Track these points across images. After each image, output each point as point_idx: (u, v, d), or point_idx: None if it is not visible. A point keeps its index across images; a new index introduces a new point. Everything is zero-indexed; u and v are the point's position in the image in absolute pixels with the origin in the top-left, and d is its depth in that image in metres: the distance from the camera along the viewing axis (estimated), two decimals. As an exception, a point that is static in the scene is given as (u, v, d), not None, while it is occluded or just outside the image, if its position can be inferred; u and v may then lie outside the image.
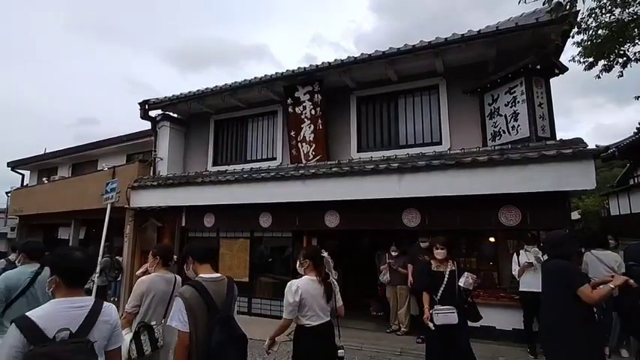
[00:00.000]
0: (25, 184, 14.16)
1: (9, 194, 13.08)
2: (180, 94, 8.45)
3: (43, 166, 13.92)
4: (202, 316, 2.09)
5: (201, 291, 2.13)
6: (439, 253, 3.74)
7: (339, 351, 2.74)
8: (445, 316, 3.47)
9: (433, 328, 3.52)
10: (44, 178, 12.68)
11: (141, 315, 2.76)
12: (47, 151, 13.53)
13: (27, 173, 14.63)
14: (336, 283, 2.92)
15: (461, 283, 3.61)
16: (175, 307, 2.11)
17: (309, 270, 2.74)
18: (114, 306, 1.83)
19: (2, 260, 5.94)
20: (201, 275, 2.27)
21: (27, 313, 1.60)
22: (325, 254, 2.89)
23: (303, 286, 2.63)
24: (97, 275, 7.23)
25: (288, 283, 2.69)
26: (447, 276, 3.65)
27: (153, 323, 2.73)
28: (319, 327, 2.59)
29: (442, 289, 3.61)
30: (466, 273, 3.71)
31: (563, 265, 2.72)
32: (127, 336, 2.56)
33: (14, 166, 14.18)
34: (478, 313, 3.80)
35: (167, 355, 2.92)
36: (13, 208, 12.45)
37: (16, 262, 3.44)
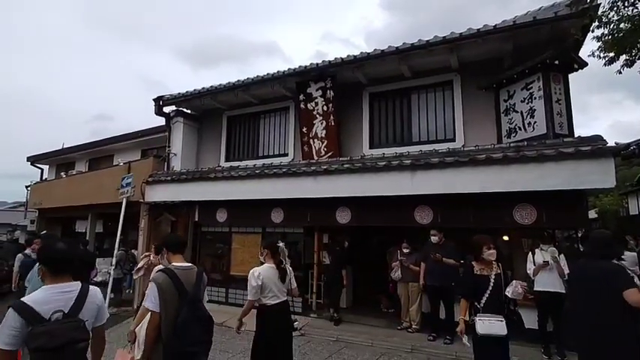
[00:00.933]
0: (44, 178, 14.55)
1: (29, 188, 13.47)
2: (194, 90, 8.53)
3: (61, 160, 14.27)
4: (172, 298, 2.41)
5: (172, 277, 2.45)
6: (490, 254, 3.20)
7: (295, 323, 3.38)
8: (491, 324, 2.99)
9: (468, 344, 3.07)
10: (62, 173, 13.01)
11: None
12: (65, 147, 13.86)
13: (46, 168, 15.02)
14: (290, 269, 3.45)
15: (508, 293, 3.15)
16: (149, 290, 2.44)
17: (268, 258, 3.20)
18: (98, 288, 2.08)
19: (20, 255, 6.08)
20: (173, 264, 2.60)
21: (22, 299, 1.84)
22: (281, 244, 3.37)
23: (263, 272, 3.09)
24: (112, 268, 7.40)
25: (252, 271, 3.11)
26: (492, 280, 3.15)
27: None
28: (278, 305, 3.10)
29: (487, 295, 3.11)
30: (514, 281, 3.23)
31: (615, 267, 2.68)
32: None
33: (34, 160, 14.57)
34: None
35: None
36: (32, 201, 12.82)
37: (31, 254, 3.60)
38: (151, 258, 3.51)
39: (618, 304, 2.50)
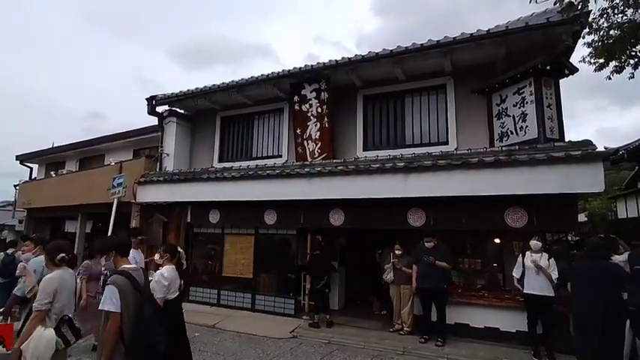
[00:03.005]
0: (33, 177, 14.32)
1: (17, 187, 13.25)
2: (188, 90, 8.49)
3: (51, 159, 14.06)
4: (132, 297, 2.60)
5: (129, 278, 2.64)
6: None
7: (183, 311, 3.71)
8: None
9: None
10: (52, 172, 12.82)
11: (57, 309, 2.83)
12: (55, 145, 13.66)
13: (35, 167, 14.79)
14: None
15: None
16: (107, 293, 2.54)
17: (168, 261, 3.48)
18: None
19: (1, 253, 5.95)
20: (125, 266, 2.77)
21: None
22: (181, 250, 3.74)
23: (168, 272, 3.35)
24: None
25: (159, 272, 3.33)
26: None
27: (69, 315, 2.89)
28: (176, 298, 3.44)
29: None
30: None
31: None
32: (46, 332, 2.68)
33: (23, 159, 14.34)
34: None
35: None
36: (21, 200, 12.62)
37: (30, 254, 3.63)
38: (156, 260, 3.72)
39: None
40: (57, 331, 2.77)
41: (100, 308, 2.57)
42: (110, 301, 2.48)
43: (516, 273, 5.10)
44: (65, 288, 2.91)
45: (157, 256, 3.79)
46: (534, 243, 4.98)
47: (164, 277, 3.46)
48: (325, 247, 6.88)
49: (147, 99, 8.85)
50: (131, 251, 4.92)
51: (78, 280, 4.97)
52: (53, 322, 2.79)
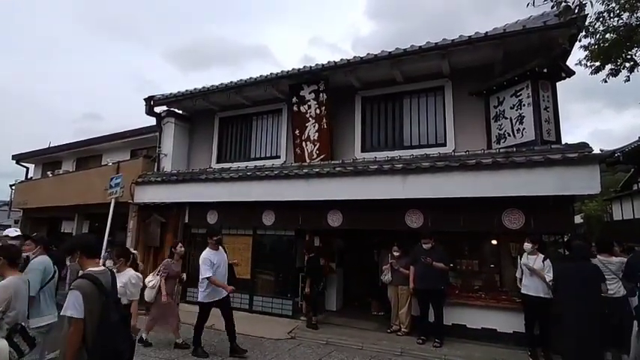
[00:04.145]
0: (29, 177, 14.23)
1: (13, 187, 13.16)
2: (186, 90, 8.47)
3: (47, 159, 13.97)
4: (97, 302, 2.43)
5: (95, 282, 2.47)
6: None
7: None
8: None
9: None
10: (48, 172, 12.74)
11: (11, 318, 2.77)
12: (52, 145, 13.58)
13: (31, 167, 14.68)
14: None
15: None
16: (70, 298, 2.38)
17: (123, 265, 3.53)
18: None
19: None
20: (91, 269, 2.59)
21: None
22: (134, 252, 3.88)
23: (133, 277, 3.57)
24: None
25: (132, 275, 3.53)
26: None
27: (22, 324, 2.79)
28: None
29: None
30: None
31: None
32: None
33: (19, 159, 14.23)
34: None
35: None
36: (17, 200, 12.53)
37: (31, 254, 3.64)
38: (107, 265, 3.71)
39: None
40: (9, 341, 2.68)
41: (62, 314, 2.44)
42: (73, 306, 2.33)
43: (518, 274, 5.15)
44: (21, 296, 2.83)
45: (108, 262, 3.80)
46: (526, 245, 5.04)
47: (131, 283, 3.55)
48: (320, 250, 6.87)
49: (145, 99, 8.83)
50: (208, 251, 5.02)
51: (158, 278, 5.20)
52: (4, 331, 2.69)
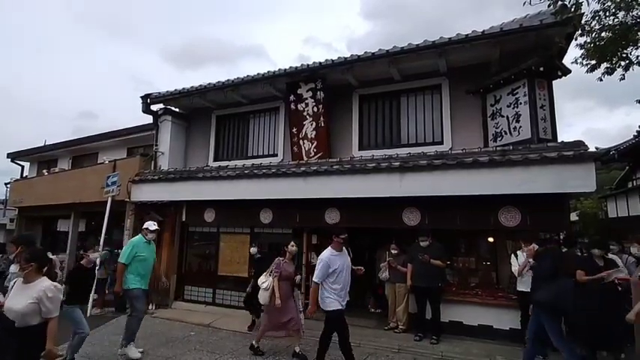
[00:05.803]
0: (24, 175, 14.14)
1: (8, 185, 13.06)
2: (183, 88, 8.44)
3: (43, 157, 13.88)
4: None
5: None
6: None
7: None
8: None
9: None
10: (44, 170, 12.66)
11: None
12: (47, 143, 13.49)
13: (27, 165, 14.58)
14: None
15: None
16: None
17: (34, 273, 2.78)
18: None
19: None
20: None
21: None
22: (52, 256, 3.18)
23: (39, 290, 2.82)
24: (97, 268, 7.24)
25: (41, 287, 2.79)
26: None
27: None
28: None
29: None
30: None
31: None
32: None
33: (14, 157, 14.13)
34: None
35: None
36: (12, 199, 12.44)
37: (11, 257, 3.49)
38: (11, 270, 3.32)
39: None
40: None
41: None
42: None
43: (515, 270, 5.16)
44: None
45: (13, 267, 3.29)
46: (523, 248, 5.07)
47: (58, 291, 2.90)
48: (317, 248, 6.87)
49: (142, 97, 8.78)
50: (329, 250, 4.14)
51: (270, 279, 4.85)
52: None
